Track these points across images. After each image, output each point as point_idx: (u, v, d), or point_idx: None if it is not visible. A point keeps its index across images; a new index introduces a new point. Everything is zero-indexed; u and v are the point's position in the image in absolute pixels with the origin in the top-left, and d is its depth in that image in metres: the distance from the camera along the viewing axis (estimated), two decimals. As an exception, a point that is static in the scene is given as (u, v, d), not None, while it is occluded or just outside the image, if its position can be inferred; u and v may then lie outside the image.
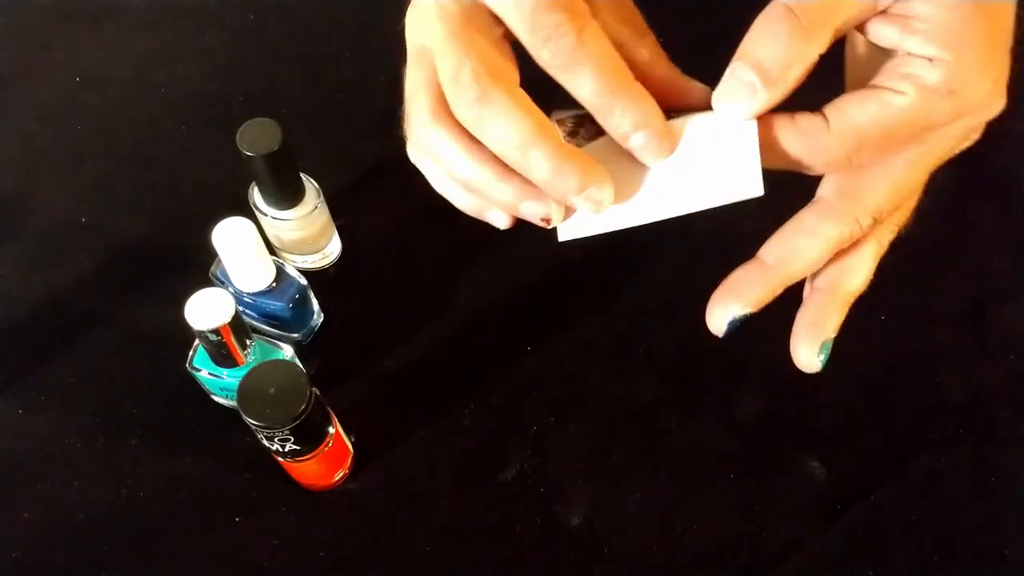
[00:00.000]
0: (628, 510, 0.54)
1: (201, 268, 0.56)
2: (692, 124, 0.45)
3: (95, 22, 0.73)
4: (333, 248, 0.62)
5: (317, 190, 0.57)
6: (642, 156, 0.36)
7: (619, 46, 0.37)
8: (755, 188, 0.45)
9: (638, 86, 0.35)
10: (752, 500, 0.54)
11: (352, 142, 0.67)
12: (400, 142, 0.72)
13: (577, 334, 0.60)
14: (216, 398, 0.56)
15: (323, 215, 0.58)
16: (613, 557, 0.53)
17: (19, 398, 0.58)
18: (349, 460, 0.55)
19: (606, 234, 0.51)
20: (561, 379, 0.58)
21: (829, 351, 0.41)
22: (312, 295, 0.57)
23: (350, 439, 0.55)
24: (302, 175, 0.56)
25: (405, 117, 0.40)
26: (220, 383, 0.53)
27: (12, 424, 0.57)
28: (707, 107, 0.39)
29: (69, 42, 0.72)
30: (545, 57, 0.34)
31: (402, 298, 0.61)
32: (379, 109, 0.69)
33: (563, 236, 0.46)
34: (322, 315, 0.60)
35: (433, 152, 0.37)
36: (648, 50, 0.37)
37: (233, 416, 0.51)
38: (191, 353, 0.53)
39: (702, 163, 0.46)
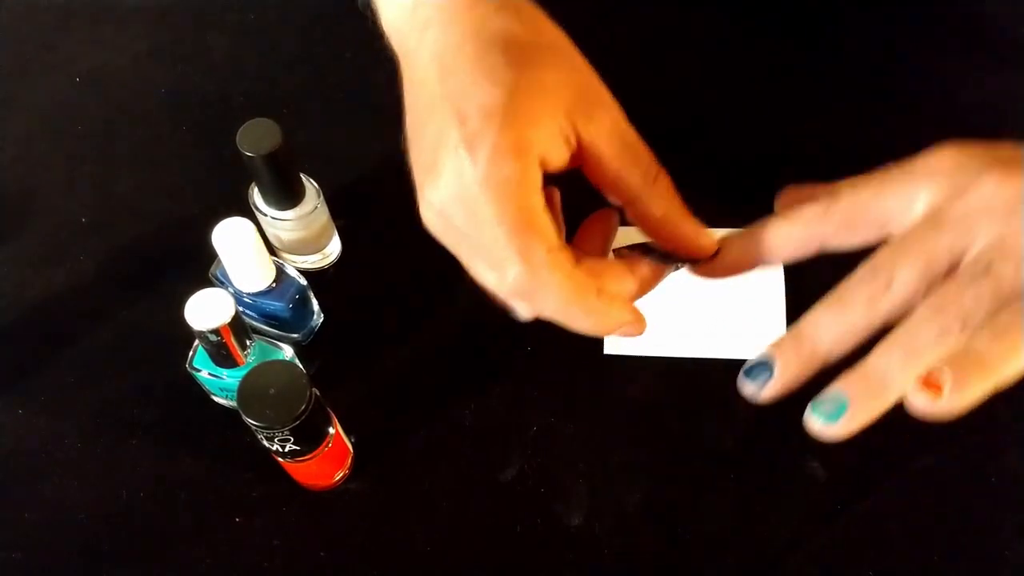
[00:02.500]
0: (628, 510, 0.54)
1: (201, 268, 0.56)
2: (732, 281, 0.57)
3: (95, 22, 0.73)
4: (333, 248, 0.62)
5: (317, 190, 0.57)
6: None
7: (630, 200, 0.41)
8: None
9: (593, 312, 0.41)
10: (752, 500, 0.54)
11: (352, 142, 0.67)
12: (399, 141, 0.72)
13: (577, 334, 0.59)
14: (216, 398, 0.56)
15: (323, 215, 0.58)
16: (613, 557, 0.53)
17: (19, 398, 0.58)
18: (349, 460, 0.55)
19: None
20: (561, 379, 0.58)
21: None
22: (312, 295, 0.57)
23: (350, 439, 0.55)
24: (302, 175, 0.56)
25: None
26: (220, 383, 0.53)
27: (12, 424, 0.57)
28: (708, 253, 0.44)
29: (69, 42, 0.72)
30: (502, 291, 0.40)
31: (402, 298, 0.61)
32: (379, 109, 0.69)
33: (608, 350, 0.59)
34: (322, 315, 0.60)
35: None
36: (658, 203, 0.41)
37: (233, 416, 0.51)
38: (191, 353, 0.53)
39: (738, 319, 0.58)
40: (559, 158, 0.40)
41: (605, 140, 0.40)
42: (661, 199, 0.41)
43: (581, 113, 0.40)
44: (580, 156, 0.41)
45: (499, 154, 0.38)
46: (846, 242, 0.45)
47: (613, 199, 0.42)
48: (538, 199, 0.39)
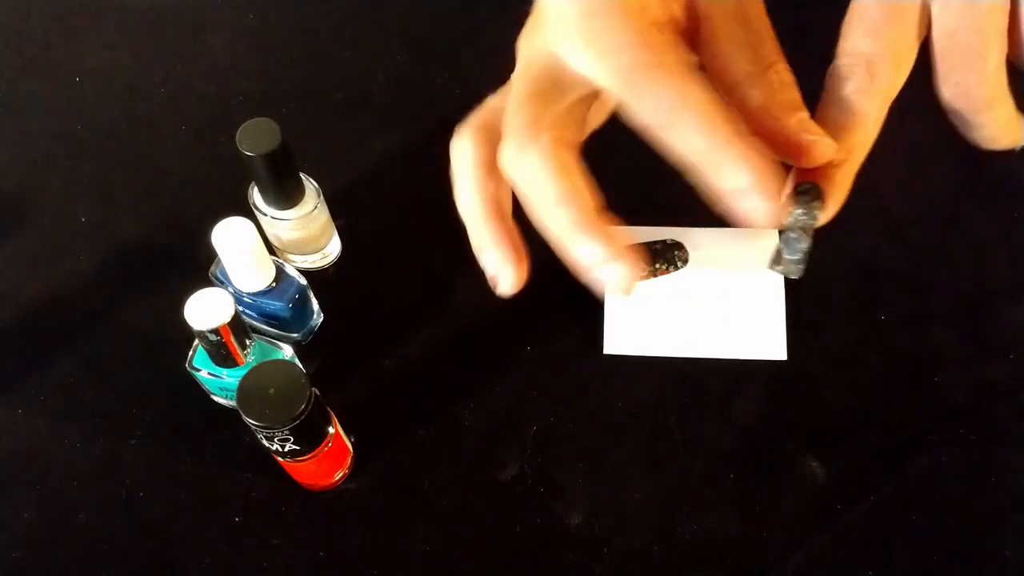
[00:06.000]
0: (628, 510, 0.54)
1: (201, 268, 0.56)
2: (732, 281, 0.55)
3: (95, 22, 0.73)
4: (333, 248, 0.62)
5: (317, 190, 0.57)
6: (751, 220, 0.33)
7: (731, 86, 0.35)
8: (779, 353, 0.58)
9: (745, 144, 0.32)
10: (752, 500, 0.54)
11: (352, 142, 0.67)
12: (399, 141, 0.72)
13: (577, 334, 0.60)
14: (216, 398, 0.56)
15: (323, 215, 0.58)
16: (613, 557, 0.53)
17: (19, 398, 0.58)
18: (349, 460, 0.55)
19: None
20: (561, 379, 0.58)
21: None
22: (312, 295, 0.57)
23: (350, 439, 0.55)
24: (302, 175, 0.56)
25: None
26: (220, 383, 0.53)
27: (12, 424, 0.57)
28: (828, 166, 0.36)
29: (69, 42, 0.73)
30: (643, 110, 0.32)
31: (402, 298, 0.61)
32: (379, 109, 0.69)
33: (608, 350, 0.58)
34: (322, 315, 0.60)
35: (454, 158, 0.38)
36: (763, 91, 0.34)
37: (233, 416, 0.51)
38: (191, 353, 0.53)
39: (738, 319, 0.58)
40: (673, 23, 0.35)
41: (720, 13, 0.35)
42: (766, 89, 0.34)
43: None
44: (696, 26, 0.35)
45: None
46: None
47: (716, 82, 0.35)
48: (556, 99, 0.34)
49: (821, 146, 0.34)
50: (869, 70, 0.34)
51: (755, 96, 0.34)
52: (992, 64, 0.35)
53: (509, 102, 0.35)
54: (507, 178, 0.35)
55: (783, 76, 0.35)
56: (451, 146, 0.37)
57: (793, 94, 0.35)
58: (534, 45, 0.35)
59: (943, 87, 0.36)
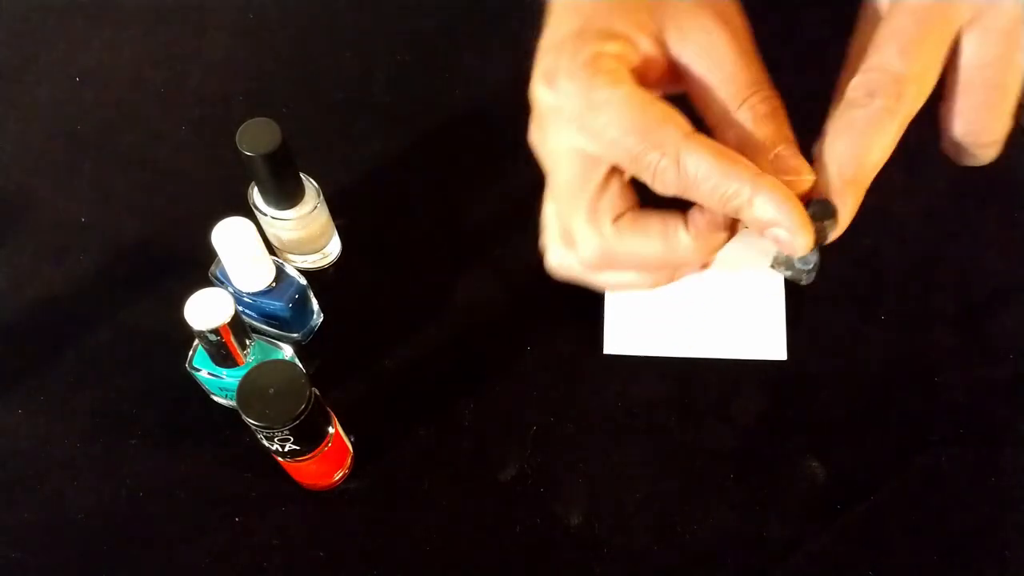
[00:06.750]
0: (628, 510, 0.54)
1: (201, 268, 0.56)
2: (734, 281, 0.55)
3: (95, 22, 0.73)
4: (333, 248, 0.62)
5: (317, 190, 0.57)
6: (783, 248, 0.35)
7: (712, 124, 0.36)
8: (779, 353, 0.58)
9: (762, 177, 0.34)
10: (752, 500, 0.54)
11: (352, 142, 0.67)
12: (399, 141, 0.72)
13: (577, 334, 0.60)
14: (216, 398, 0.56)
15: (323, 215, 0.58)
16: (613, 557, 0.53)
17: (19, 398, 0.58)
18: (349, 460, 0.55)
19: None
20: (561, 379, 0.58)
21: None
22: (312, 295, 0.57)
23: (350, 439, 0.55)
24: (302, 175, 0.56)
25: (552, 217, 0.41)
26: (220, 383, 0.53)
27: (12, 424, 0.57)
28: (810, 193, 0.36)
29: (69, 42, 0.72)
30: (659, 189, 0.35)
31: (402, 298, 0.61)
32: (379, 109, 0.69)
33: (608, 349, 0.58)
34: (322, 315, 0.60)
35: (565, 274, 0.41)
36: (735, 131, 0.35)
37: (233, 416, 0.51)
38: (191, 353, 0.53)
39: (738, 319, 0.58)
40: (651, 65, 0.36)
41: (693, 57, 0.35)
42: (739, 129, 0.35)
43: (672, 24, 0.35)
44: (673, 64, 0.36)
45: (578, 80, 0.34)
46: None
47: (703, 115, 0.37)
48: (639, 94, 0.34)
49: (796, 185, 0.34)
50: (898, 89, 0.33)
51: (729, 137, 0.35)
52: (1010, 105, 0.34)
53: (563, 200, 0.38)
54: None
55: (760, 108, 0.35)
56: (549, 267, 0.42)
57: (770, 128, 0.35)
58: (550, 145, 0.37)
59: (956, 120, 0.35)
